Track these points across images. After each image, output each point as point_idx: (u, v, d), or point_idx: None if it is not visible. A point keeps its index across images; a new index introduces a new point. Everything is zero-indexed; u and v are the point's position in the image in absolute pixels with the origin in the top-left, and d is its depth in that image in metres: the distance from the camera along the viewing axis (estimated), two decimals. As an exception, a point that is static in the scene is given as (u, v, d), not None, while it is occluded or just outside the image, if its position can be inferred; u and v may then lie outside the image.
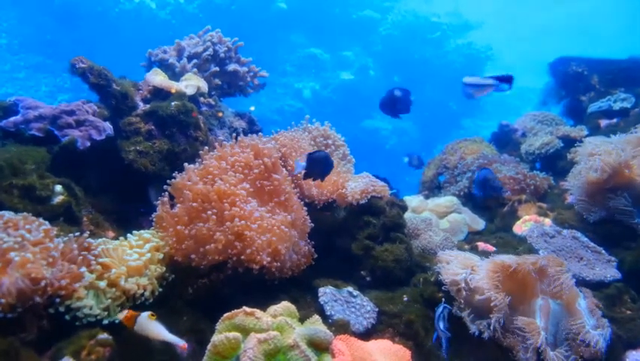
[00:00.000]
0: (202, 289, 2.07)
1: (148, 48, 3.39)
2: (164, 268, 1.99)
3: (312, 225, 2.37)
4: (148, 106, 2.72)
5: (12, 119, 2.39)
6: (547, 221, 2.99)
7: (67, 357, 1.50)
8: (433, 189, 4.16)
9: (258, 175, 2.25)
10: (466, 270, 2.04)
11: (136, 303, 1.82)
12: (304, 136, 2.78)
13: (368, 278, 2.38)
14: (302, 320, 1.69)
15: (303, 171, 2.24)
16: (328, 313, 1.98)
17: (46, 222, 1.79)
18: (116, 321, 1.67)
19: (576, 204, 2.90)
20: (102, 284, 1.74)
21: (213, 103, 3.20)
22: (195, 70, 3.28)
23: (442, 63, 15.69)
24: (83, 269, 1.71)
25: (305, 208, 2.36)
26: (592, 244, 2.62)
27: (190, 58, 3.33)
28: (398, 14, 16.01)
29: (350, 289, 2.14)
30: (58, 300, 1.62)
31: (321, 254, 2.34)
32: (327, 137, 2.87)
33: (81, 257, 1.73)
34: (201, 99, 3.10)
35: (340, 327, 1.88)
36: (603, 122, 4.02)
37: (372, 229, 2.46)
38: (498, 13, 23.47)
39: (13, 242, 1.58)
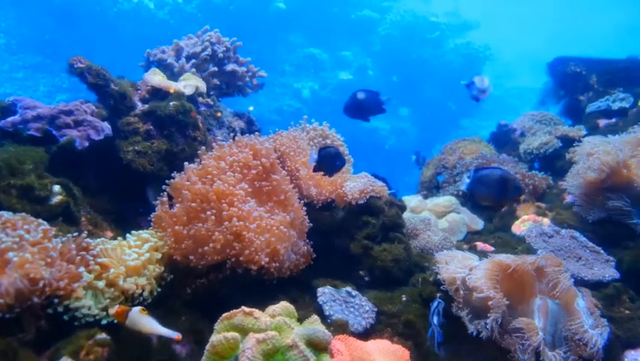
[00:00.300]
0: (201, 289, 2.07)
1: (146, 48, 3.39)
2: (163, 268, 1.99)
3: (311, 225, 2.37)
4: (146, 106, 2.72)
5: (10, 119, 2.39)
6: (546, 221, 2.99)
7: (66, 357, 1.50)
8: (432, 189, 4.16)
9: (257, 175, 2.24)
10: (465, 270, 2.04)
11: (134, 303, 1.82)
12: (303, 136, 2.78)
13: (367, 278, 2.38)
14: (301, 320, 1.69)
15: (314, 164, 2.23)
16: (327, 313, 1.98)
17: (45, 223, 1.79)
18: (115, 321, 1.67)
19: (575, 204, 2.90)
20: (101, 284, 1.74)
21: (212, 103, 3.20)
22: (194, 70, 3.28)
23: (441, 63, 15.69)
24: (82, 269, 1.70)
25: (304, 208, 2.36)
26: (590, 244, 2.62)
27: (188, 58, 3.33)
28: (397, 14, 16.01)
29: (349, 289, 2.14)
30: (56, 300, 1.61)
31: (320, 254, 2.34)
32: (325, 136, 2.87)
33: (79, 257, 1.73)
34: (200, 99, 3.10)
35: (339, 327, 1.87)
36: (602, 122, 4.02)
37: (370, 229, 2.46)
38: (497, 13, 23.51)
39: (11, 242, 1.58)
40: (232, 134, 2.47)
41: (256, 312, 1.57)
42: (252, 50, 4.02)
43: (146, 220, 2.28)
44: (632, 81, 4.15)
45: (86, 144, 2.44)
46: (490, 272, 1.93)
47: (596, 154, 2.70)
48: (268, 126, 3.07)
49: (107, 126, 2.56)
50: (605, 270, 2.45)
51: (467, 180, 2.31)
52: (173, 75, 3.23)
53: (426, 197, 3.82)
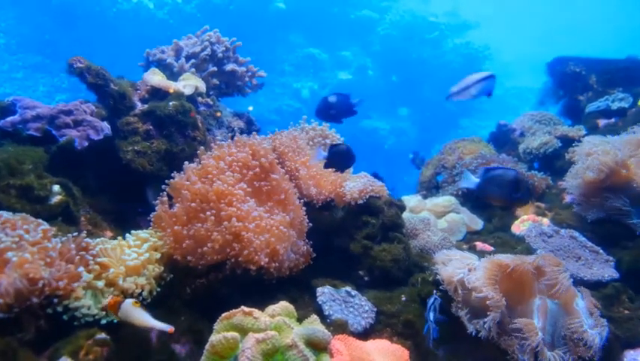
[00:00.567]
0: (200, 289, 2.07)
1: (146, 48, 3.39)
2: (162, 268, 1.99)
3: (311, 224, 2.37)
4: (146, 106, 2.72)
5: (9, 118, 2.39)
6: (546, 221, 2.99)
7: (65, 357, 1.50)
8: (431, 188, 4.17)
9: (256, 175, 2.24)
10: (464, 269, 2.04)
11: (134, 303, 1.82)
12: (302, 136, 2.78)
13: (366, 278, 2.38)
14: (300, 320, 1.69)
15: (324, 161, 2.25)
16: (326, 313, 1.98)
17: (45, 222, 1.78)
18: (114, 321, 1.67)
19: (574, 204, 2.90)
20: (100, 284, 1.74)
21: (211, 103, 3.20)
22: (193, 70, 3.28)
23: (440, 63, 15.70)
24: (81, 269, 1.70)
25: (303, 208, 2.36)
26: (590, 244, 2.63)
27: (188, 58, 3.33)
28: (396, 14, 16.02)
29: (348, 288, 2.14)
30: (56, 300, 1.61)
31: (320, 254, 2.34)
32: (325, 136, 2.87)
33: (79, 257, 1.73)
34: (199, 99, 3.10)
35: (338, 327, 1.88)
36: (601, 122, 4.02)
37: (370, 229, 2.46)
38: (496, 12, 23.52)
39: (10, 242, 1.58)
40: (231, 135, 2.47)
41: (256, 312, 1.57)
42: (252, 50, 4.01)
43: (146, 220, 2.28)
44: (632, 81, 4.16)
45: (86, 143, 2.44)
46: (490, 272, 1.93)
47: (595, 154, 2.70)
48: (268, 126, 3.07)
49: (106, 126, 2.56)
50: (605, 270, 2.45)
51: (475, 180, 2.28)
52: (173, 75, 3.23)
53: (425, 197, 3.82)
